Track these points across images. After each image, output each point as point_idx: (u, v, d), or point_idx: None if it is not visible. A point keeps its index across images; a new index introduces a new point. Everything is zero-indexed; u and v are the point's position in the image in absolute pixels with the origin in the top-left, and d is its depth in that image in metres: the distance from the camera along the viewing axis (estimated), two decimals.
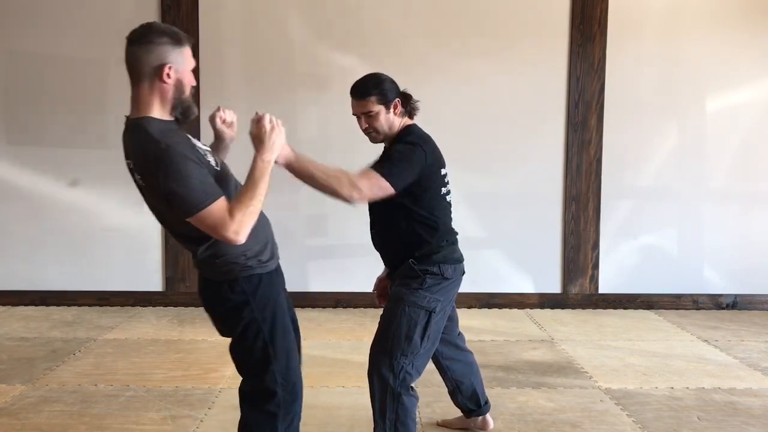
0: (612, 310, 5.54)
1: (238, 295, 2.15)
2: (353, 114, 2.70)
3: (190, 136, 2.14)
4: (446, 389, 3.12)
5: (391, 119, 2.66)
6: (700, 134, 5.59)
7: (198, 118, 5.32)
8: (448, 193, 2.78)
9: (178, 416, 3.30)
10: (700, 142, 5.59)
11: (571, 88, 5.45)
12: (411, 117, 2.76)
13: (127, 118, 2.07)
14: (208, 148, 2.24)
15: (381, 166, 2.52)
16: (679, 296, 5.60)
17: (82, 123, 5.40)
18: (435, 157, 2.68)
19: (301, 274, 5.50)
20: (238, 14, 5.40)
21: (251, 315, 2.16)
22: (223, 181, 2.13)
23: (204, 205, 1.94)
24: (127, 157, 2.08)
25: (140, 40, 2.00)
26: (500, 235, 5.55)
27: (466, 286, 5.62)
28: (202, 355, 4.25)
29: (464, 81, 5.43)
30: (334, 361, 4.14)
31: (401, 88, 2.75)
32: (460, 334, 3.08)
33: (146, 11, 5.28)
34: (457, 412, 3.20)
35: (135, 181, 2.10)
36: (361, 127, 2.69)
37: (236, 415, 3.33)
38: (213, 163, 2.13)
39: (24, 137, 5.44)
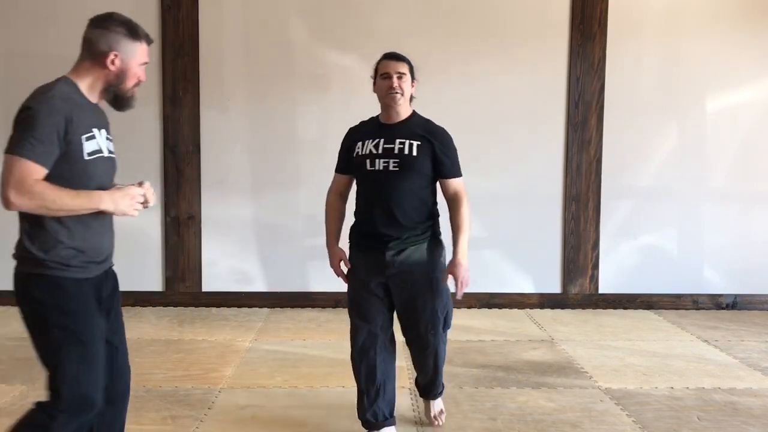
0: (612, 310, 5.54)
1: (34, 293, 2.08)
2: (384, 72, 2.88)
3: (101, 117, 2.21)
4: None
5: (411, 91, 2.92)
6: (700, 134, 5.59)
7: (198, 118, 5.35)
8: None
9: (178, 416, 3.30)
10: (700, 142, 5.59)
11: (571, 88, 5.45)
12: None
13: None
14: (110, 137, 2.26)
15: (460, 170, 2.95)
16: (679, 296, 5.60)
17: None
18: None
19: (301, 274, 5.50)
20: (238, 14, 5.40)
21: (47, 316, 2.08)
22: (84, 169, 2.08)
23: (19, 153, 1.94)
24: None
25: (98, 24, 2.14)
26: (500, 235, 5.55)
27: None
28: (202, 355, 4.25)
29: (464, 81, 5.43)
30: (334, 361, 4.14)
31: None
32: None
33: (146, 11, 5.27)
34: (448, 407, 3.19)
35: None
36: (388, 86, 2.84)
37: (237, 415, 3.34)
38: (104, 147, 2.16)
39: None
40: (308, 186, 5.39)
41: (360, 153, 2.89)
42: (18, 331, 4.73)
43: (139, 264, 5.49)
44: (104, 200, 2.08)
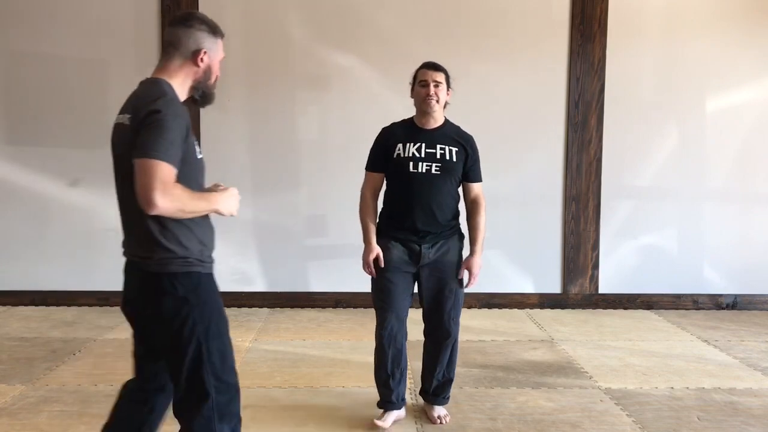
0: (612, 310, 5.54)
1: (179, 291, 2.06)
2: (423, 80, 3.11)
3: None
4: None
5: (446, 98, 3.16)
6: (700, 134, 5.59)
7: (198, 118, 5.35)
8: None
9: None
10: (700, 142, 5.59)
11: (571, 88, 5.45)
12: None
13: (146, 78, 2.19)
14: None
15: (480, 176, 3.25)
16: (679, 296, 5.60)
17: (82, 123, 5.40)
18: None
19: (301, 274, 5.50)
20: (238, 14, 5.39)
21: (189, 314, 2.07)
22: (196, 170, 2.15)
23: (158, 157, 1.94)
24: (123, 111, 2.13)
25: (183, 23, 2.20)
26: (500, 235, 5.53)
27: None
28: None
29: (464, 81, 5.38)
30: (334, 361, 4.14)
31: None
32: None
33: (146, 11, 5.27)
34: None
35: (117, 131, 2.13)
36: (426, 93, 3.08)
37: None
38: (197, 151, 2.19)
39: (24, 137, 5.44)
40: (308, 186, 5.39)
41: (402, 155, 3.09)
42: (18, 331, 4.76)
43: None
44: (219, 202, 2.13)
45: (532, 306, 5.56)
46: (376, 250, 3.10)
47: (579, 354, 4.35)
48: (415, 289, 3.21)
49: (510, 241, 5.54)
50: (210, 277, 2.16)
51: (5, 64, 5.39)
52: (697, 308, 5.58)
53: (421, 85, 3.10)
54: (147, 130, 1.97)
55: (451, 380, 3.27)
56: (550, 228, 5.55)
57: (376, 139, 3.18)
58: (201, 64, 2.17)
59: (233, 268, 5.46)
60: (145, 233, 2.06)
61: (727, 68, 5.51)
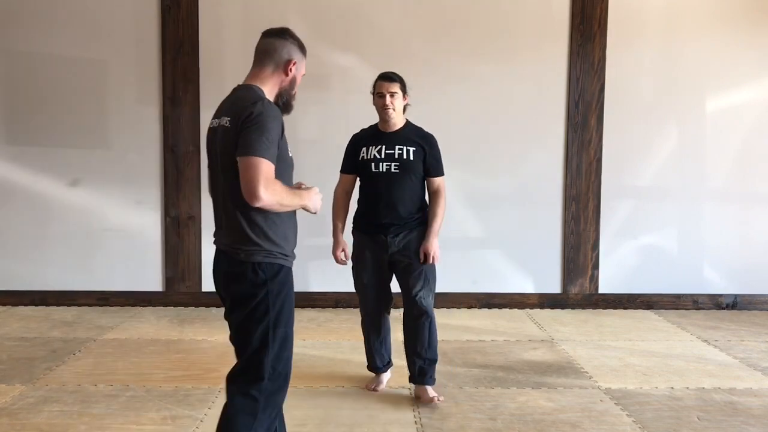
0: (612, 310, 5.54)
1: (260, 277, 2.24)
2: (379, 92, 3.45)
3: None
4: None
5: (403, 104, 3.49)
6: (700, 134, 5.59)
7: (198, 118, 5.35)
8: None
9: (178, 416, 3.30)
10: (700, 142, 5.59)
11: (571, 88, 5.45)
12: None
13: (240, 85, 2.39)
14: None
15: (442, 170, 3.52)
16: (679, 296, 5.60)
17: (82, 123, 5.40)
18: None
19: (301, 274, 5.48)
20: (238, 14, 5.40)
21: (264, 298, 2.24)
22: (288, 168, 2.36)
23: (261, 155, 2.15)
24: (217, 115, 2.33)
25: (280, 35, 2.43)
26: (500, 235, 5.55)
27: (467, 286, 5.67)
28: (202, 355, 4.25)
29: (464, 81, 5.43)
30: (334, 361, 4.15)
31: None
32: None
33: (146, 11, 5.27)
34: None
35: (216, 133, 2.30)
36: (383, 103, 3.43)
37: None
38: (289, 150, 2.39)
39: (24, 137, 5.43)
40: (308, 185, 5.38)
41: (366, 157, 3.48)
42: (18, 331, 4.76)
43: (139, 264, 5.49)
44: (308, 198, 2.33)
45: (532, 306, 5.56)
46: (342, 244, 3.56)
47: (579, 354, 4.35)
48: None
49: (510, 241, 5.54)
50: (289, 270, 2.33)
51: (5, 64, 5.39)
52: (697, 308, 5.58)
53: (378, 96, 3.46)
54: (249, 131, 2.17)
55: (434, 361, 3.52)
56: (550, 228, 5.55)
57: (347, 144, 3.59)
58: (290, 74, 2.40)
59: None
60: (235, 226, 2.26)
61: (727, 68, 5.51)
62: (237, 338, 2.31)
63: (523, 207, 5.52)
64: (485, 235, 5.53)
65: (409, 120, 3.56)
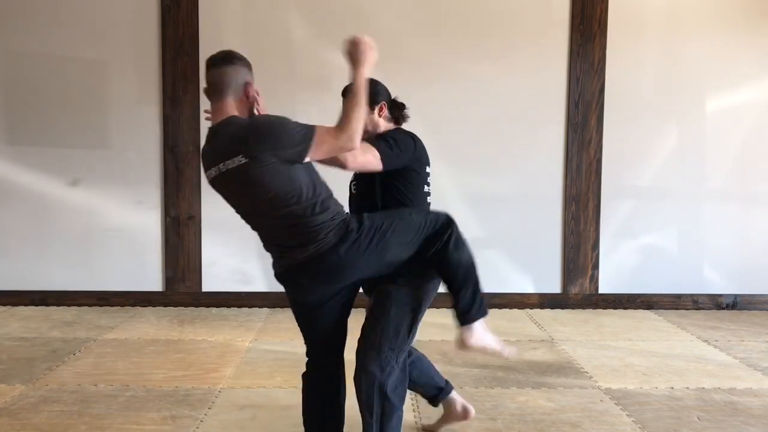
0: (612, 310, 5.54)
1: (352, 237, 2.34)
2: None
3: None
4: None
5: (375, 120, 2.71)
6: (700, 134, 5.59)
7: (198, 118, 5.35)
8: (429, 194, 2.80)
9: (178, 416, 3.30)
10: (700, 142, 5.59)
11: (571, 88, 5.45)
12: (399, 123, 2.83)
13: (212, 125, 2.36)
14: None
15: (377, 145, 2.57)
16: (679, 296, 5.60)
17: (82, 123, 5.40)
18: (422, 152, 2.75)
19: None
20: (238, 14, 5.40)
21: (368, 240, 2.35)
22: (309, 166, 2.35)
23: (313, 130, 2.21)
24: (214, 163, 2.29)
25: (227, 61, 2.40)
26: (500, 235, 5.54)
27: None
28: (202, 355, 4.25)
29: (464, 81, 5.43)
30: None
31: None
32: None
33: (146, 11, 5.27)
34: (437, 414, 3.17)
35: (228, 177, 2.27)
36: None
37: (236, 415, 3.35)
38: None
39: (24, 137, 5.43)
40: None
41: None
42: (18, 331, 4.75)
43: (139, 264, 5.49)
44: (362, 73, 2.36)
45: (532, 306, 5.56)
46: None
47: (579, 354, 4.35)
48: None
49: (510, 241, 5.54)
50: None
51: (5, 64, 5.39)
52: (697, 308, 5.58)
53: None
54: (275, 137, 2.20)
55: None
56: (550, 228, 5.55)
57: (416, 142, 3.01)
58: (250, 96, 2.37)
59: (233, 268, 5.46)
60: (306, 233, 2.34)
61: (727, 68, 5.51)
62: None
63: (523, 207, 5.52)
64: (485, 235, 5.53)
65: (411, 112, 2.92)
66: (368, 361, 2.54)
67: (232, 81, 2.35)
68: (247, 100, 2.37)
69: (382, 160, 2.56)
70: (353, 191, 2.89)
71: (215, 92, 2.35)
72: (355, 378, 2.55)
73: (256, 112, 2.41)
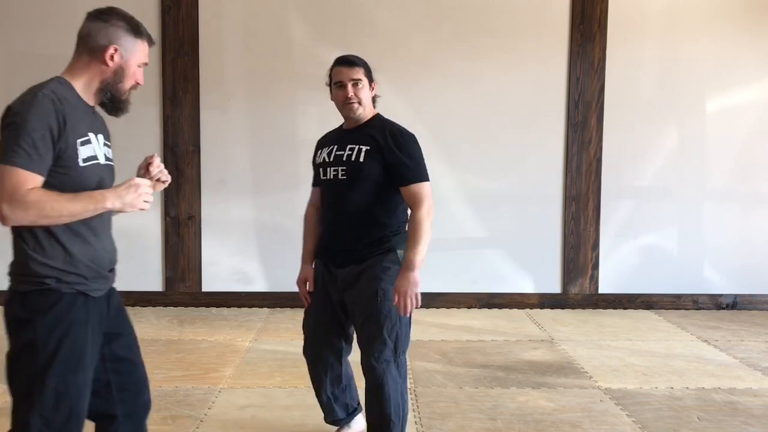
0: (612, 310, 5.54)
1: (24, 311, 1.85)
2: (338, 81, 2.69)
3: (98, 122, 2.05)
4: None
5: (369, 96, 2.69)
6: (700, 134, 5.59)
7: (198, 118, 5.35)
8: None
9: (178, 416, 3.30)
10: (700, 142, 5.59)
11: (571, 88, 5.45)
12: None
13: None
14: (108, 143, 2.13)
15: (420, 174, 2.56)
16: (679, 296, 5.60)
17: None
18: None
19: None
20: (238, 14, 5.40)
21: (32, 335, 1.84)
22: (100, 175, 1.97)
23: (10, 162, 1.76)
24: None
25: (98, 17, 1.96)
26: (500, 235, 5.55)
27: (467, 286, 5.66)
28: (202, 355, 4.25)
29: (464, 81, 5.43)
30: None
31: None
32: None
33: (146, 11, 5.27)
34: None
35: None
36: (344, 96, 2.67)
37: (237, 415, 3.35)
38: (101, 154, 2.00)
39: None
40: (308, 186, 5.32)
41: (317, 161, 2.79)
42: None
43: (139, 264, 5.49)
44: (108, 198, 1.88)
45: (532, 306, 5.56)
46: (305, 274, 2.78)
47: (579, 354, 4.35)
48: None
49: (510, 241, 5.54)
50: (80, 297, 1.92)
51: (5, 64, 5.39)
52: (697, 308, 5.58)
53: (337, 86, 2.71)
54: (3, 132, 1.82)
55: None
56: (550, 228, 5.55)
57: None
58: (110, 63, 1.93)
59: (233, 268, 5.46)
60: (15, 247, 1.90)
61: (727, 68, 5.51)
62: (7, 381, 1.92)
63: (523, 207, 5.52)
64: (485, 235, 5.53)
65: (381, 114, 2.78)
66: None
67: (90, 39, 1.95)
68: (107, 66, 1.95)
69: (428, 178, 2.60)
70: (329, 210, 2.73)
71: (75, 48, 2.00)
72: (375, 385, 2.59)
73: (121, 86, 2.01)
